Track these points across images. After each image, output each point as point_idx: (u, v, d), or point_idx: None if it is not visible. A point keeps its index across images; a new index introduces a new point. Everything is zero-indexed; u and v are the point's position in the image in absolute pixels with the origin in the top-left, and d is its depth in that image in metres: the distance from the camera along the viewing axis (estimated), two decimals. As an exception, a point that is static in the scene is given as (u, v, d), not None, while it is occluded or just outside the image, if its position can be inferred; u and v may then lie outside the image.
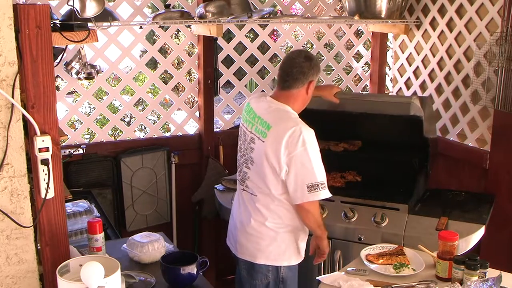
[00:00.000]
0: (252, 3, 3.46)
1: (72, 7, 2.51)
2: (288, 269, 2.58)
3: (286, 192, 2.46)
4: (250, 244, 2.57)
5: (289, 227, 2.53)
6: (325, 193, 2.43)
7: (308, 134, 2.40)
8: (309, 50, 5.47)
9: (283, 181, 2.43)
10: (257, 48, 3.86)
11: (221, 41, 3.69)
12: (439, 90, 3.62)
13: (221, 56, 3.73)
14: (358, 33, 4.53)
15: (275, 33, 6.63)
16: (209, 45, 3.58)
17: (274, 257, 2.54)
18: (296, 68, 2.48)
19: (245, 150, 2.59)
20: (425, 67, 3.73)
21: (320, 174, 2.41)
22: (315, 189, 2.39)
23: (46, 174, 1.87)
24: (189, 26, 3.57)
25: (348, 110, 2.99)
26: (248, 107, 2.64)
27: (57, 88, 3.93)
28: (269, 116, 2.49)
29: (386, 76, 4.17)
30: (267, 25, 3.73)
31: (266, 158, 2.44)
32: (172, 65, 3.83)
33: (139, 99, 3.79)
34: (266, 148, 2.43)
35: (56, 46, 2.53)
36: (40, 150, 1.84)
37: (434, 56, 3.63)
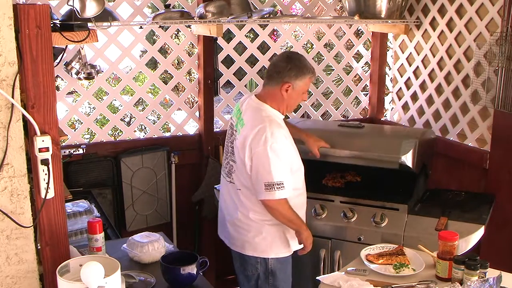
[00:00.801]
0: (252, 3, 3.46)
1: (72, 7, 2.51)
2: (277, 261, 2.60)
3: None
4: (239, 235, 2.63)
5: (273, 220, 2.55)
6: (282, 194, 2.43)
7: (273, 134, 2.42)
8: (309, 50, 5.48)
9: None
10: (257, 48, 3.86)
11: (221, 41, 3.69)
12: (439, 90, 3.61)
13: (221, 56, 3.72)
14: (358, 33, 4.53)
15: (275, 33, 6.62)
16: (209, 45, 3.58)
17: (261, 249, 2.58)
18: (273, 66, 2.56)
19: (230, 143, 2.65)
20: (425, 67, 3.73)
21: (278, 174, 2.41)
22: (271, 189, 2.41)
23: (46, 174, 1.87)
24: (189, 26, 3.57)
25: (337, 162, 3.02)
26: (239, 103, 2.70)
27: (57, 88, 3.93)
28: (246, 114, 2.56)
29: (386, 76, 4.18)
30: (267, 25, 3.73)
31: (239, 154, 2.51)
32: (172, 65, 3.83)
33: (139, 99, 3.79)
34: (239, 145, 2.51)
35: (56, 46, 2.52)
36: (40, 150, 1.84)
37: (434, 56, 3.63)
